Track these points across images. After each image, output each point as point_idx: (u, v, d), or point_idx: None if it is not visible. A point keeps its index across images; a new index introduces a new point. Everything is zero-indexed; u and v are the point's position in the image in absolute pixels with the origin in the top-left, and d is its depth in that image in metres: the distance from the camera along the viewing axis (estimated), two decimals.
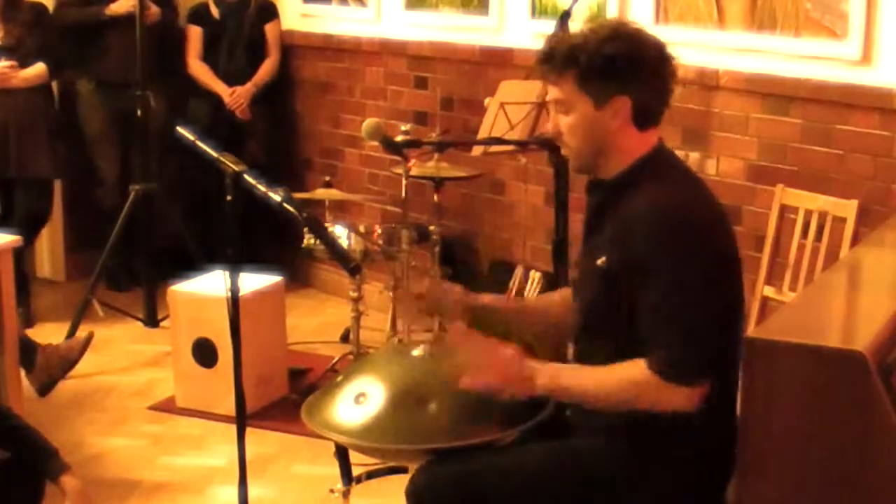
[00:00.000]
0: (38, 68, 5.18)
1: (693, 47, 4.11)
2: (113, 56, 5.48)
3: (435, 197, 4.53)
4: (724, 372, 2.31)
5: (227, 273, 2.60)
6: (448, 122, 4.87)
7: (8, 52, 5.09)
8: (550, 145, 3.37)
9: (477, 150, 4.39)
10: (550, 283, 4.07)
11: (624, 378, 2.28)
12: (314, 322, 5.44)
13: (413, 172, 4.28)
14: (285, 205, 2.58)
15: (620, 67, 2.30)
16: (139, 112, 5.22)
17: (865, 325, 2.09)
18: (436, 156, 4.46)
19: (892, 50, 3.63)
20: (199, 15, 5.78)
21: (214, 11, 5.74)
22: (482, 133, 4.12)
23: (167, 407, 4.43)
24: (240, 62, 5.70)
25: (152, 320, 5.29)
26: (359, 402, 2.48)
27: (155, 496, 3.76)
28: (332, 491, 2.94)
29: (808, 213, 3.74)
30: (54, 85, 5.51)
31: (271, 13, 5.82)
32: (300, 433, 3.84)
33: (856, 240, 3.55)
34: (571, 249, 3.45)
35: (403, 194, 4.13)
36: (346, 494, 2.91)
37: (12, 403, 3.76)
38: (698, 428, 2.28)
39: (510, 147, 4.12)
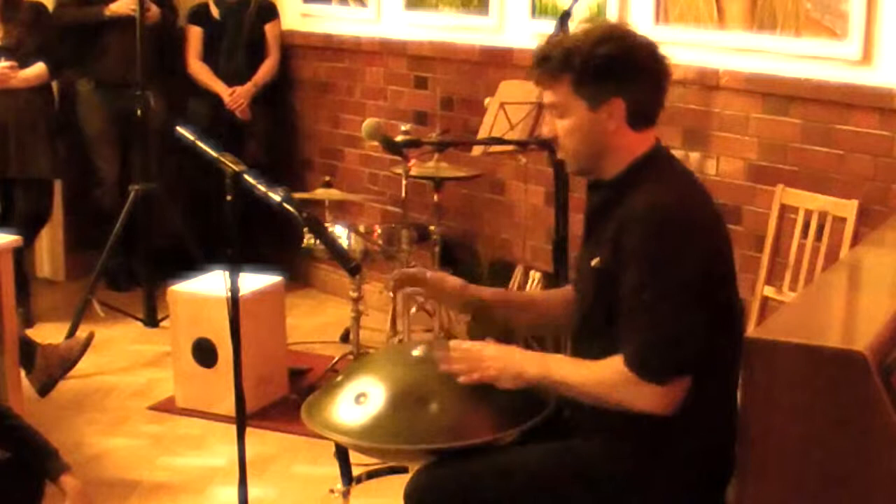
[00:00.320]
0: (38, 68, 5.18)
1: (693, 47, 4.11)
2: (112, 56, 5.48)
3: (435, 197, 4.53)
4: (723, 372, 2.31)
5: (227, 273, 2.60)
6: (448, 122, 4.87)
7: (7, 53, 5.09)
8: (550, 145, 3.37)
9: (477, 150, 4.39)
10: (550, 283, 4.08)
11: (602, 374, 2.28)
12: (314, 322, 5.44)
13: (413, 172, 4.28)
14: (285, 205, 2.58)
15: (613, 69, 2.31)
16: (139, 112, 5.22)
17: (865, 325, 2.09)
18: (436, 156, 4.46)
19: (892, 50, 3.63)
20: (199, 15, 5.78)
21: (214, 11, 5.74)
22: (482, 133, 4.12)
23: (167, 407, 4.43)
24: (240, 62, 5.70)
25: (152, 320, 5.29)
26: (359, 402, 2.47)
27: (155, 496, 3.76)
28: (332, 491, 2.94)
29: (808, 213, 3.74)
30: (54, 85, 5.51)
31: (271, 13, 5.82)
32: (300, 433, 3.84)
33: (856, 240, 3.55)
34: (571, 249, 3.46)
35: (403, 194, 4.13)
36: (346, 494, 2.91)
37: (12, 403, 3.76)
38: (698, 428, 2.29)
39: (510, 147, 4.13)
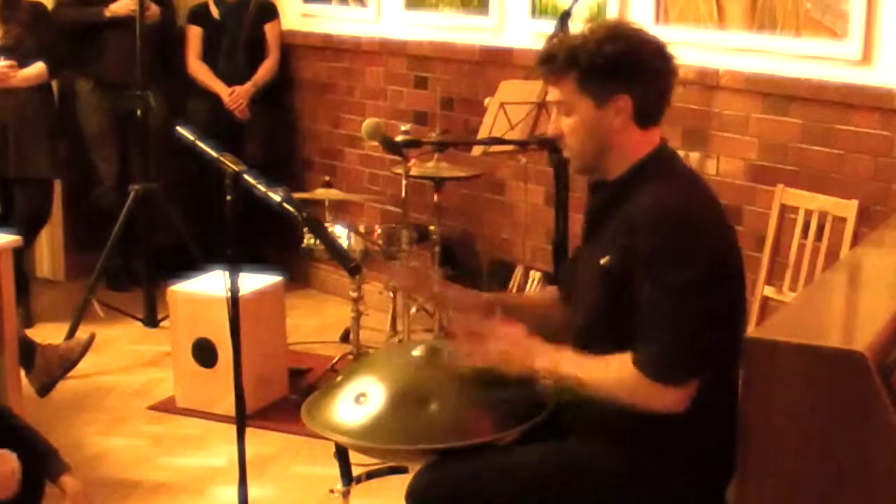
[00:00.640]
0: (38, 68, 5.17)
1: (693, 47, 4.11)
2: (112, 56, 5.48)
3: (435, 197, 4.53)
4: (724, 372, 2.31)
5: (227, 273, 2.60)
6: (448, 122, 4.87)
7: (7, 52, 5.09)
8: (550, 145, 3.36)
9: (477, 150, 4.39)
10: (550, 282, 4.08)
11: (615, 375, 2.28)
12: (314, 322, 5.44)
13: (413, 172, 4.28)
14: (285, 205, 2.57)
15: (620, 66, 2.31)
16: (139, 112, 5.22)
17: (865, 325, 2.09)
18: (436, 156, 4.47)
19: (892, 50, 3.63)
20: (199, 15, 5.78)
21: (214, 11, 5.74)
22: (482, 133, 4.12)
23: (167, 407, 4.43)
24: (239, 62, 5.70)
25: (152, 320, 5.29)
26: (359, 402, 2.47)
27: (155, 496, 3.76)
28: (332, 491, 2.94)
29: (809, 213, 3.74)
30: (54, 84, 5.51)
31: (271, 13, 5.82)
32: (300, 433, 3.84)
33: (856, 240, 3.55)
34: (571, 249, 3.45)
35: (403, 194, 4.13)
36: (346, 495, 2.90)
37: (12, 403, 3.76)
38: (698, 428, 2.28)
39: (510, 147, 4.12)
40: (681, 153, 4.08)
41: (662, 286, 2.23)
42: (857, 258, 2.81)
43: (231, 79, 5.67)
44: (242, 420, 2.65)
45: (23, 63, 5.12)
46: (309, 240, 4.31)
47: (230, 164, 2.60)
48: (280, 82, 5.88)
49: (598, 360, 2.32)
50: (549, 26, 4.03)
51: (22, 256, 5.03)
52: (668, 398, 2.23)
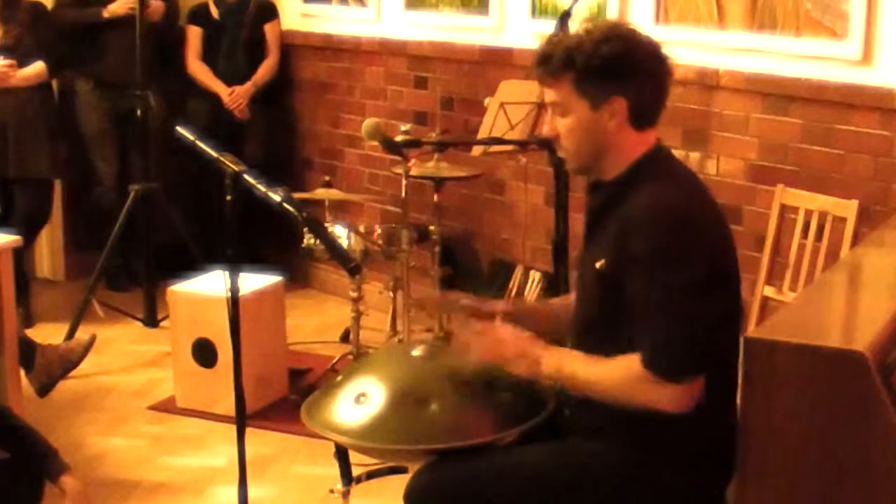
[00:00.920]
0: (38, 67, 5.17)
1: (693, 47, 4.11)
2: (111, 56, 5.47)
3: (435, 197, 4.53)
4: (724, 372, 2.31)
5: (226, 273, 2.60)
6: (448, 122, 4.87)
7: (7, 52, 5.09)
8: (550, 145, 3.36)
9: (477, 150, 4.39)
10: (550, 283, 4.08)
11: (620, 375, 2.28)
12: (314, 322, 5.44)
13: (413, 172, 4.28)
14: (285, 205, 2.57)
15: (616, 68, 2.31)
16: (139, 112, 5.22)
17: (865, 325, 2.09)
18: (436, 156, 4.46)
19: (892, 50, 3.63)
20: (199, 15, 5.78)
21: (214, 12, 5.74)
22: (482, 133, 4.12)
23: (167, 407, 4.43)
24: (239, 62, 5.70)
25: (152, 320, 5.29)
26: (359, 402, 2.48)
27: (155, 496, 3.76)
28: (332, 491, 2.94)
29: (809, 213, 3.74)
30: (54, 84, 5.51)
31: (271, 13, 5.82)
32: (300, 433, 3.84)
33: (856, 240, 3.55)
34: (571, 249, 3.45)
35: (403, 194, 4.13)
36: (346, 495, 2.90)
37: (12, 403, 3.76)
38: (698, 428, 2.28)
39: (510, 147, 4.12)
40: (681, 153, 4.12)
41: (663, 286, 2.23)
42: (857, 258, 2.81)
43: (231, 79, 5.67)
44: (242, 420, 2.65)
45: (22, 63, 5.12)
46: (309, 240, 4.31)
47: (230, 164, 2.60)
48: (280, 82, 5.88)
49: (604, 361, 2.33)
50: (549, 26, 4.03)
51: (22, 256, 5.03)
52: (677, 396, 2.24)
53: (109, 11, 5.41)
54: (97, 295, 5.29)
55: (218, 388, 4.16)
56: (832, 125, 3.81)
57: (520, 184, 4.68)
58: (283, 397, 4.46)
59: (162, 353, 4.87)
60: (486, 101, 4.15)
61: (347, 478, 2.88)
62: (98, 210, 5.66)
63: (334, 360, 4.59)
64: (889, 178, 3.65)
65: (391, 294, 4.73)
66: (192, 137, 2.72)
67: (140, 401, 4.52)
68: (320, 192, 4.51)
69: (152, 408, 4.45)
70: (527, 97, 4.05)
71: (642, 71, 2.33)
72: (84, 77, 5.58)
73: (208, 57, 5.73)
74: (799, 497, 1.95)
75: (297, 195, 3.08)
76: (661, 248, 2.24)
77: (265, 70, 5.76)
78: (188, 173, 5.60)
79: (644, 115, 2.37)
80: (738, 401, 2.05)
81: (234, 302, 2.61)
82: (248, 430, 2.68)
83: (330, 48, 5.76)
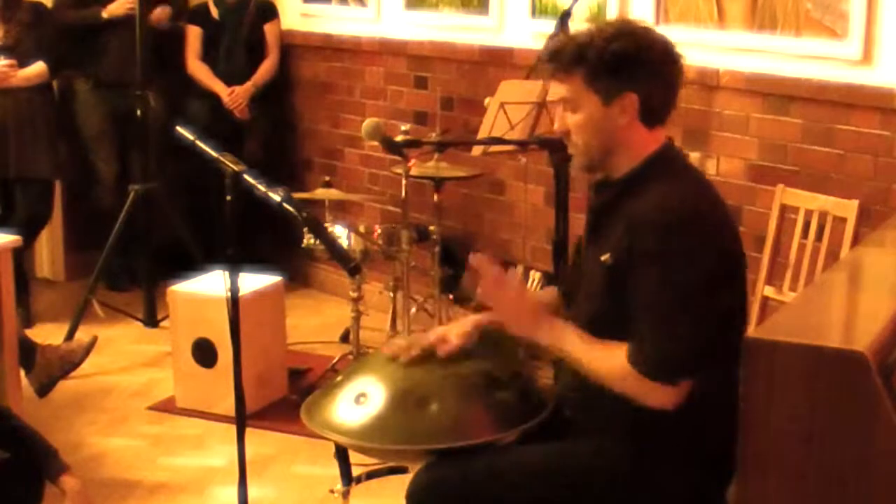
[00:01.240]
0: (38, 67, 5.17)
1: (693, 47, 4.07)
2: (111, 56, 5.48)
3: (435, 197, 4.53)
4: (724, 372, 2.30)
5: (226, 273, 2.60)
6: (448, 122, 4.87)
7: (7, 52, 5.09)
8: (550, 145, 3.36)
9: (477, 150, 4.38)
10: (550, 282, 4.07)
11: (611, 365, 2.29)
12: (314, 322, 5.44)
13: (413, 172, 4.28)
14: (285, 205, 2.58)
15: (628, 64, 2.31)
16: (139, 112, 5.22)
17: (865, 325, 2.08)
18: (436, 156, 4.46)
19: (892, 50, 3.63)
20: (199, 15, 5.78)
21: (214, 11, 5.74)
22: (482, 133, 4.12)
23: (167, 407, 4.43)
24: (239, 62, 5.70)
25: (152, 320, 5.29)
26: (359, 402, 2.47)
27: (155, 496, 3.76)
28: (332, 491, 2.94)
29: (809, 213, 3.74)
30: (54, 84, 5.51)
31: (271, 13, 5.82)
32: (300, 433, 3.84)
33: (856, 240, 3.55)
34: (571, 249, 3.45)
35: (403, 194, 4.13)
36: (346, 495, 2.90)
37: (12, 403, 3.77)
38: (699, 428, 2.29)
39: (510, 147, 4.12)
40: None
41: (669, 284, 2.23)
42: (857, 258, 2.81)
43: (231, 79, 5.67)
44: (242, 420, 2.65)
45: (23, 63, 5.12)
46: (309, 240, 4.31)
47: (230, 164, 2.61)
48: (280, 82, 5.88)
49: (600, 346, 2.33)
50: (549, 26, 4.03)
51: (22, 257, 5.03)
52: (659, 396, 2.25)
53: (109, 12, 5.41)
54: (97, 295, 5.29)
55: (218, 389, 4.16)
56: (832, 125, 3.81)
57: (520, 184, 4.68)
58: (283, 397, 4.46)
59: (162, 353, 4.86)
60: (486, 101, 4.15)
61: (347, 478, 2.88)
62: (98, 210, 5.66)
63: (334, 360, 4.59)
64: (889, 178, 3.65)
65: (391, 294, 4.73)
66: (192, 137, 2.72)
67: (140, 401, 4.52)
68: (320, 192, 4.51)
69: (152, 408, 4.45)
70: (527, 97, 4.05)
71: (654, 68, 2.33)
72: (84, 77, 5.58)
73: (208, 57, 5.73)
74: (799, 497, 1.95)
75: (297, 195, 3.08)
76: (663, 249, 2.24)
77: (265, 70, 5.76)
78: (188, 173, 5.60)
79: (655, 112, 2.36)
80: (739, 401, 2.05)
81: (234, 302, 2.61)
82: (248, 430, 2.68)
83: (330, 48, 5.76)
